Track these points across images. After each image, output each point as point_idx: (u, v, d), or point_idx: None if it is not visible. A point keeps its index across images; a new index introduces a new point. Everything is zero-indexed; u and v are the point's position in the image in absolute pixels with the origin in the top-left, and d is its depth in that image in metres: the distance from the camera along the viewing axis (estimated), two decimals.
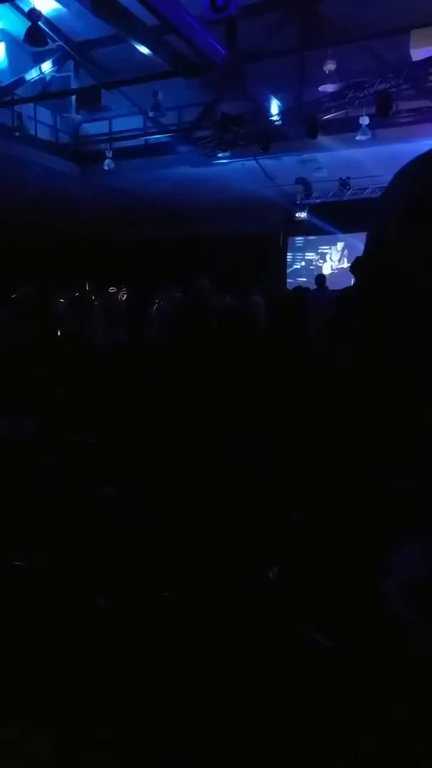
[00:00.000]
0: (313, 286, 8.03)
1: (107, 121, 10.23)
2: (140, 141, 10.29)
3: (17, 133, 8.91)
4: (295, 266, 13.97)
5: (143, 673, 1.44)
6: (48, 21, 7.07)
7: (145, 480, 2.85)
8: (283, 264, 13.81)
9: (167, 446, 3.23)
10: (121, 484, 2.87)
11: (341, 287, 7.83)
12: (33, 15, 6.11)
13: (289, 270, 13.95)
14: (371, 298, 0.61)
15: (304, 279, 12.66)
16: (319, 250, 13.70)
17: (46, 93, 9.64)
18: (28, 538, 2.50)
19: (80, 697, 1.44)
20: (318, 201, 11.99)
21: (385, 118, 7.55)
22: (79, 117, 10.15)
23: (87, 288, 7.82)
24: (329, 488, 2.58)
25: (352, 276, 5.27)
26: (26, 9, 6.65)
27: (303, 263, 13.91)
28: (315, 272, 12.32)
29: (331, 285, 8.27)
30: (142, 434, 3.42)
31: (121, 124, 10.25)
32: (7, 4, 5.90)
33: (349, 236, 12.86)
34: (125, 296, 8.71)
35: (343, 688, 0.81)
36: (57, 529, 2.51)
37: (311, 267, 13.61)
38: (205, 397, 4.01)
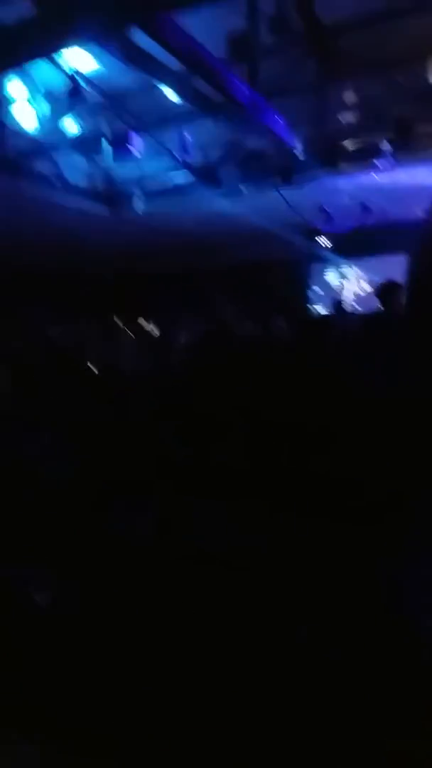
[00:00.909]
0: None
1: (136, 164, 10.67)
2: (167, 179, 10.66)
3: (53, 179, 9.37)
4: (317, 291, 14.09)
5: None
6: (82, 75, 7.53)
7: (167, 511, 2.86)
8: (305, 289, 13.95)
9: (197, 478, 3.25)
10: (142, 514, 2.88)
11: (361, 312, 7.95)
12: (70, 71, 6.55)
13: (312, 297, 14.07)
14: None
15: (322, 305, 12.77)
16: (341, 276, 13.83)
17: (80, 140, 10.14)
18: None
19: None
20: (340, 228, 12.15)
21: (405, 144, 7.71)
22: (110, 161, 10.62)
23: (116, 319, 8.05)
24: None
25: (377, 300, 5.31)
26: (64, 66, 7.15)
27: (324, 290, 14.05)
28: (335, 297, 12.46)
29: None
30: (172, 465, 3.45)
31: (150, 166, 10.67)
32: (47, 61, 6.31)
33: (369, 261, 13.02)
34: (153, 328, 8.94)
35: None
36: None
37: (331, 292, 13.73)
38: (233, 425, 4.05)
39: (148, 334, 8.49)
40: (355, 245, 12.66)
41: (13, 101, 8.21)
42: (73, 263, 13.88)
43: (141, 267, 14.39)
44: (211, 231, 12.65)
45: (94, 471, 3.67)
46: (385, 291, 5.01)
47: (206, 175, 10.14)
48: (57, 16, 4.47)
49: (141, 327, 8.78)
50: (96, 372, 7.61)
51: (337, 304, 8.31)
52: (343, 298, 12.88)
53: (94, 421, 4.62)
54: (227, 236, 13.09)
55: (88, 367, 7.69)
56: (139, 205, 10.09)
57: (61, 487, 3.46)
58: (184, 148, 8.27)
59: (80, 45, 5.23)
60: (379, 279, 12.71)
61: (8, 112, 8.40)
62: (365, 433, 3.15)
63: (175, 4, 4.74)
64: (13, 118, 8.51)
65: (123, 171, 10.90)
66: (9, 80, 7.27)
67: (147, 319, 9.14)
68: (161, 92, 7.21)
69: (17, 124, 8.70)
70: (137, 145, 7.81)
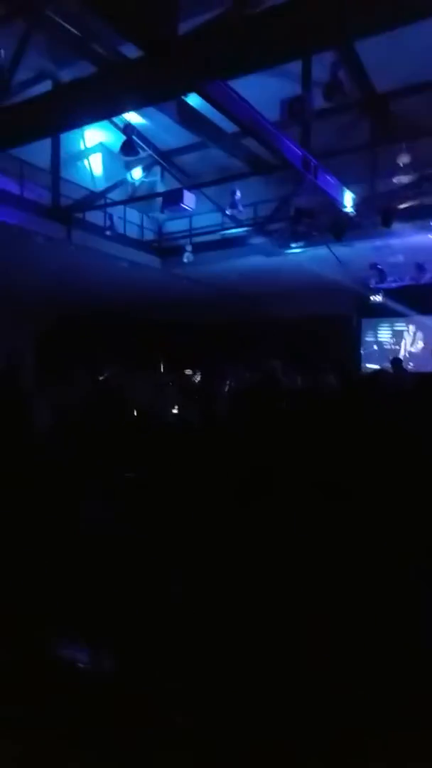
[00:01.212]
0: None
1: (188, 219, 11.02)
2: (217, 235, 10.94)
3: (108, 232, 9.75)
4: (369, 348, 13.89)
5: None
6: (139, 133, 7.97)
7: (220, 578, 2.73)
8: (357, 346, 13.78)
9: (243, 538, 3.12)
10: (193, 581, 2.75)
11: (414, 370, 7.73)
12: (127, 129, 6.89)
13: (364, 353, 13.88)
14: None
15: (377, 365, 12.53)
16: (394, 332, 13.62)
17: (135, 196, 10.61)
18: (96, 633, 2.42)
19: None
20: (393, 285, 12.07)
21: None
22: (164, 216, 11.03)
23: (162, 369, 8.10)
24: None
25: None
26: (121, 124, 7.53)
27: (377, 346, 13.83)
28: (390, 355, 12.21)
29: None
30: (217, 523, 3.33)
31: (201, 220, 11.00)
32: (105, 120, 6.66)
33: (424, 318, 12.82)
34: (199, 378, 8.93)
35: None
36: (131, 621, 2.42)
37: (386, 349, 13.51)
38: (278, 483, 3.91)
39: (195, 383, 8.48)
40: (409, 303, 12.51)
41: (71, 156, 8.68)
42: (125, 312, 14.26)
43: (190, 317, 14.64)
44: (260, 285, 12.80)
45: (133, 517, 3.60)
46: None
47: (257, 230, 10.34)
48: (116, 78, 4.71)
49: (188, 376, 8.79)
50: (143, 419, 7.63)
51: (392, 361, 8.13)
52: (395, 355, 12.64)
53: (138, 467, 4.57)
54: (277, 290, 13.21)
55: (134, 413, 7.72)
56: (189, 258, 10.34)
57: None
58: (235, 205, 8.46)
59: (137, 106, 5.47)
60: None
61: (66, 166, 8.86)
62: (410, 490, 3.04)
63: (232, 70, 4.92)
64: (70, 172, 8.99)
65: (175, 225, 11.28)
66: (68, 135, 7.68)
67: (195, 369, 9.17)
68: (214, 151, 7.48)
69: (75, 177, 9.20)
70: (189, 200, 8.05)
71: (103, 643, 2.54)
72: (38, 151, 8.42)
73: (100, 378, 8.74)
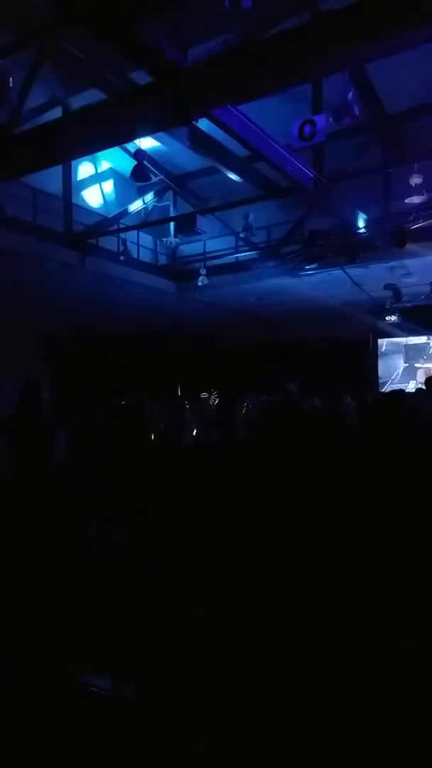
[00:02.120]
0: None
1: (202, 243, 11.07)
2: (231, 258, 10.96)
3: (122, 257, 9.81)
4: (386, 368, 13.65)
5: None
6: (150, 158, 8.02)
7: (239, 603, 2.66)
8: (374, 367, 13.61)
9: (262, 563, 3.04)
10: (213, 605, 2.69)
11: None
12: (138, 155, 6.95)
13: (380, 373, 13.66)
14: None
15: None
16: (408, 352, 13.37)
17: (148, 221, 10.69)
18: (116, 658, 2.36)
19: None
20: (409, 305, 11.96)
21: None
22: (177, 240, 11.09)
23: (179, 393, 8.04)
24: None
25: None
26: (132, 150, 7.61)
27: (392, 366, 13.59)
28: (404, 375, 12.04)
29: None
30: (236, 547, 3.25)
31: (215, 244, 11.04)
32: (116, 146, 6.73)
33: None
34: (216, 401, 8.85)
35: None
36: (147, 653, 2.36)
37: (400, 369, 13.28)
38: (298, 507, 3.81)
39: (212, 406, 8.40)
40: (424, 322, 12.38)
41: (83, 182, 8.75)
42: (141, 337, 14.30)
43: (207, 341, 14.63)
44: (275, 307, 12.77)
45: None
46: None
47: (270, 253, 10.34)
48: (127, 105, 4.75)
49: (205, 399, 8.72)
50: (161, 442, 7.57)
51: (426, 380, 7.96)
52: (411, 376, 12.47)
53: (153, 488, 4.49)
54: (292, 312, 13.17)
55: (152, 436, 7.67)
56: (204, 281, 10.35)
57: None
58: (248, 228, 8.47)
59: (148, 132, 5.50)
60: None
61: (78, 192, 8.93)
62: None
63: (241, 96, 4.94)
64: (82, 198, 9.07)
65: (188, 249, 11.33)
66: (79, 162, 7.75)
67: (212, 392, 9.11)
68: (227, 175, 7.51)
69: (87, 203, 9.28)
70: (202, 224, 8.07)
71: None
72: (50, 178, 8.53)
73: (120, 403, 8.72)
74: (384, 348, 13.50)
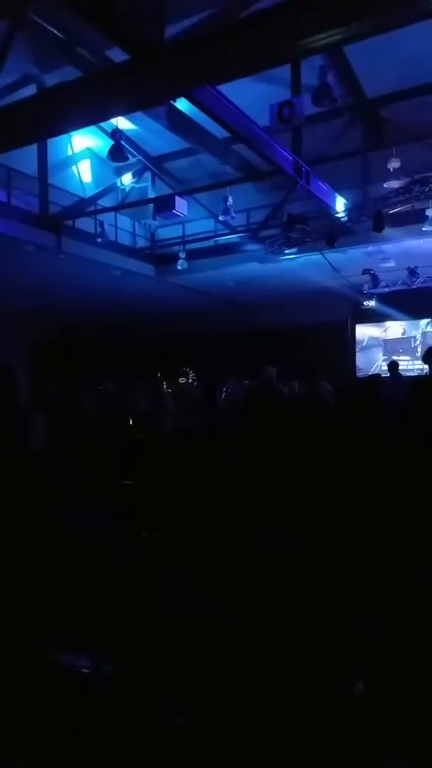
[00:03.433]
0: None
1: (181, 226, 10.96)
2: (210, 242, 10.88)
3: (99, 239, 9.67)
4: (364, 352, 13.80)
5: None
6: (128, 138, 7.87)
7: (217, 581, 2.69)
8: (352, 352, 13.74)
9: (240, 544, 3.06)
10: (191, 586, 2.71)
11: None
12: (115, 134, 6.83)
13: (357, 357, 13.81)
14: None
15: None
16: (386, 337, 13.53)
17: (126, 203, 10.55)
18: (98, 640, 2.37)
19: None
20: (386, 290, 12.05)
21: None
22: (156, 223, 10.96)
23: (159, 377, 8.01)
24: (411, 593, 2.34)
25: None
26: (109, 129, 7.47)
27: (370, 350, 13.74)
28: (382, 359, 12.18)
29: None
30: (213, 530, 3.27)
31: (194, 227, 10.94)
32: (92, 125, 6.58)
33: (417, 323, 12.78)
34: (195, 385, 8.85)
35: None
36: (127, 632, 2.37)
37: (378, 353, 13.47)
38: (279, 490, 3.84)
39: (191, 391, 8.39)
40: (401, 307, 12.49)
41: (59, 162, 8.59)
42: (118, 320, 14.18)
43: (186, 326, 14.57)
44: (255, 292, 12.75)
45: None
46: (431, 354, 4.79)
47: (250, 237, 10.29)
48: (103, 83, 4.65)
49: (184, 384, 8.71)
50: (141, 427, 7.55)
51: (389, 365, 8.07)
52: (389, 360, 12.59)
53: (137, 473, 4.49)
54: (272, 297, 13.17)
55: (131, 421, 7.65)
56: (183, 265, 10.27)
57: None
58: (227, 211, 8.40)
59: (125, 111, 5.39)
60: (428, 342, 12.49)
61: (54, 173, 8.77)
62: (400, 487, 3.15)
63: (220, 75, 4.87)
64: (59, 179, 8.90)
65: (167, 232, 11.22)
66: (54, 142, 7.60)
67: (190, 377, 9.11)
68: (206, 157, 7.42)
69: (63, 184, 9.11)
70: (181, 206, 7.98)
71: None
72: (25, 158, 8.33)
73: (98, 388, 8.66)
74: (365, 342, 13.66)
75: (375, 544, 2.86)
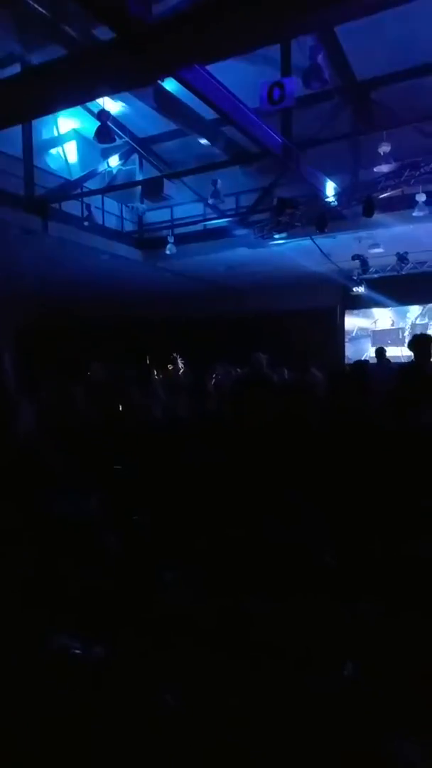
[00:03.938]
0: None
1: (169, 209, 10.83)
2: (199, 226, 10.77)
3: (86, 223, 9.52)
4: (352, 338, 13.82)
5: None
6: (115, 120, 7.72)
7: (206, 565, 2.68)
8: (341, 338, 13.77)
9: (229, 529, 3.07)
10: (181, 569, 2.71)
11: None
12: (102, 115, 6.68)
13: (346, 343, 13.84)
14: None
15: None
16: (374, 322, 13.54)
17: (113, 185, 10.39)
18: (87, 623, 2.37)
19: None
20: (375, 276, 12.04)
21: None
22: (143, 206, 10.82)
23: (148, 363, 7.95)
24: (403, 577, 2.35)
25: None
26: (96, 110, 7.31)
27: (358, 336, 13.77)
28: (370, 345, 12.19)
29: None
30: (202, 515, 3.27)
31: (182, 211, 10.82)
32: (78, 106, 6.43)
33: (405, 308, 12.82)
34: (183, 371, 8.81)
35: None
36: (117, 615, 2.37)
37: (366, 340, 13.51)
38: (268, 476, 3.84)
39: (180, 378, 8.36)
40: (391, 294, 12.50)
41: (45, 144, 8.43)
42: (105, 305, 14.05)
43: (174, 311, 14.48)
44: (244, 278, 12.68)
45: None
46: (416, 341, 4.78)
47: (239, 221, 10.19)
48: (89, 62, 4.53)
49: (172, 371, 8.66)
50: (130, 413, 7.52)
51: (376, 351, 8.07)
52: (377, 346, 12.63)
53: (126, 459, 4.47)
54: (261, 283, 13.10)
55: (120, 407, 7.61)
56: (172, 249, 10.17)
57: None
58: (216, 195, 8.30)
59: (112, 91, 5.27)
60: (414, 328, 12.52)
61: (40, 155, 8.61)
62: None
63: (209, 55, 4.77)
64: (44, 161, 8.74)
65: (156, 216, 11.08)
66: (40, 123, 7.43)
67: (176, 363, 9.04)
68: (195, 140, 7.30)
69: (49, 166, 8.95)
70: (169, 190, 7.87)
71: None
72: (10, 140, 8.15)
73: (87, 374, 8.60)
74: (355, 333, 13.67)
75: (365, 527, 2.88)
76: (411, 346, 4.75)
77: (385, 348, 9.28)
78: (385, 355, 8.10)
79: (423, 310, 12.87)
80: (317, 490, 3.18)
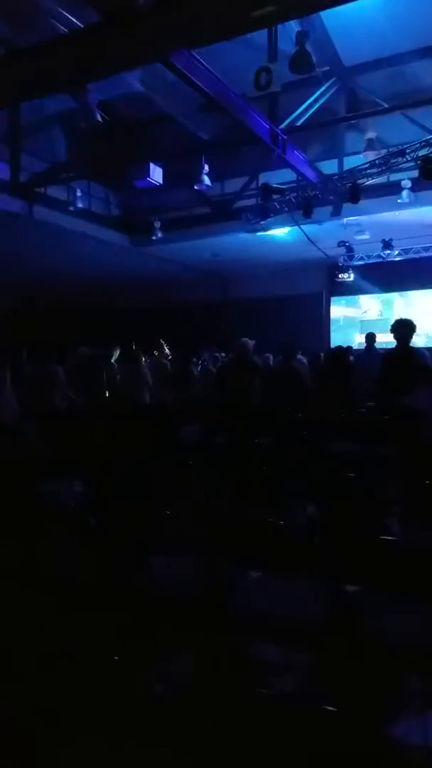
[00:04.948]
0: None
1: (155, 194, 10.77)
2: (185, 212, 10.74)
3: (72, 207, 9.45)
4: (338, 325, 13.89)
5: None
6: (101, 103, 7.64)
7: (197, 550, 2.74)
8: (326, 324, 13.85)
9: (219, 513, 3.13)
10: (169, 554, 2.75)
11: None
12: (92, 99, 6.62)
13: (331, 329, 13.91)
14: None
15: None
16: (361, 308, 13.59)
17: (99, 169, 10.29)
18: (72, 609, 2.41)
19: None
20: (361, 262, 12.12)
21: (427, 181, 7.64)
22: (130, 191, 10.74)
23: (134, 348, 7.99)
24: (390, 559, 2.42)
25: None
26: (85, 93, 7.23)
27: (343, 323, 13.84)
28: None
29: None
30: (193, 499, 3.33)
31: (168, 196, 10.76)
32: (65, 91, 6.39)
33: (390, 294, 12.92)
34: (170, 357, 8.84)
35: None
36: (100, 602, 2.40)
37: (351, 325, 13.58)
38: (255, 459, 3.92)
39: (167, 364, 8.39)
40: (376, 281, 12.59)
41: (31, 127, 8.32)
42: (90, 290, 13.97)
43: (158, 297, 14.45)
44: (231, 264, 12.69)
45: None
46: (398, 325, 4.89)
47: (225, 207, 10.18)
48: (77, 46, 4.49)
49: (159, 357, 8.69)
50: (117, 399, 7.57)
51: (366, 336, 8.16)
52: (363, 328, 12.71)
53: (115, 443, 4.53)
54: (248, 269, 13.12)
55: (105, 393, 7.66)
56: (158, 234, 10.14)
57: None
58: (203, 180, 8.28)
59: (100, 76, 5.24)
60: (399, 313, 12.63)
61: (26, 138, 8.51)
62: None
63: (196, 39, 4.76)
64: (30, 144, 8.64)
65: (142, 200, 11.03)
66: (26, 106, 7.33)
67: (162, 349, 9.07)
68: (182, 123, 7.26)
69: (35, 149, 8.85)
70: (156, 174, 7.83)
71: None
72: None
73: (73, 359, 8.61)
74: (342, 322, 13.77)
75: (348, 508, 2.96)
76: (393, 329, 4.87)
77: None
78: (374, 340, 8.20)
79: (406, 300, 13.02)
80: (303, 471, 3.26)
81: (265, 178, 9.35)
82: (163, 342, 8.99)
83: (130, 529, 2.97)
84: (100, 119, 5.98)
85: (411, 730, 1.64)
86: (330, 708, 0.98)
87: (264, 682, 1.92)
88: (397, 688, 1.85)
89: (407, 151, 7.69)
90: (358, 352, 9.30)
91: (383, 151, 8.28)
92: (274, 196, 8.83)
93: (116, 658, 1.26)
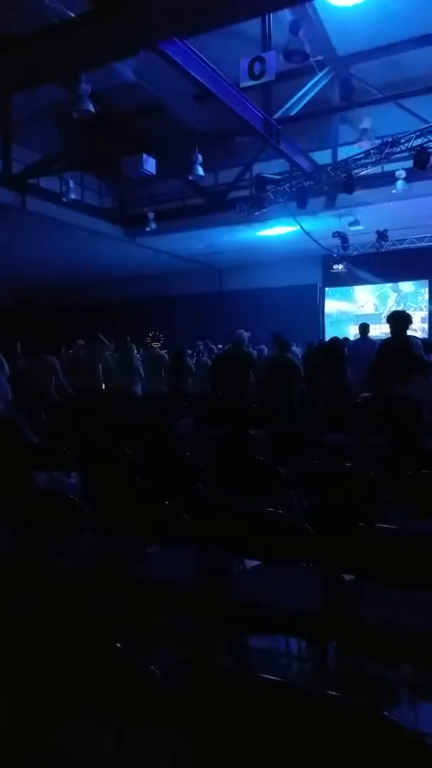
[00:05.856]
0: None
1: (149, 185, 10.72)
2: (179, 203, 10.69)
3: (64, 198, 9.40)
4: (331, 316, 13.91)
5: None
6: (94, 93, 7.57)
7: (191, 539, 2.74)
8: (321, 315, 13.87)
9: (213, 503, 3.14)
10: (165, 544, 2.75)
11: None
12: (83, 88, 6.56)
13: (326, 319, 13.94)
14: None
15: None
16: (355, 299, 13.64)
17: (92, 160, 10.22)
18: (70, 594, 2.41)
19: None
20: (356, 253, 12.11)
21: (421, 171, 7.63)
22: (123, 182, 10.69)
23: (128, 341, 7.98)
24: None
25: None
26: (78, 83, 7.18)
27: (337, 313, 13.86)
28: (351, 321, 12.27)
29: None
30: (187, 490, 3.34)
31: (162, 187, 10.71)
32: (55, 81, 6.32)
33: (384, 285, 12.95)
34: (165, 350, 8.85)
35: None
36: (97, 589, 2.41)
37: (345, 316, 13.63)
38: (249, 450, 3.93)
39: (162, 356, 8.39)
40: (370, 271, 12.59)
41: (23, 118, 8.25)
42: (83, 282, 13.93)
43: (152, 289, 14.40)
44: (226, 255, 12.65)
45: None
46: (394, 316, 4.90)
47: (220, 198, 10.14)
48: (66, 35, 4.45)
49: (154, 349, 8.70)
50: (112, 392, 7.57)
51: (360, 327, 8.17)
52: (358, 322, 12.75)
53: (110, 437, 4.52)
54: (241, 260, 13.09)
55: (102, 386, 7.66)
56: (152, 226, 10.09)
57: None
58: (196, 171, 8.24)
59: (90, 65, 5.19)
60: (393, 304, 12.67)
61: (18, 129, 8.44)
62: None
63: (188, 28, 4.72)
64: (23, 135, 8.58)
65: (136, 192, 10.97)
66: (18, 97, 7.26)
67: (158, 340, 9.09)
68: (175, 114, 7.21)
69: (27, 141, 8.78)
70: (150, 165, 7.79)
71: None
72: None
73: (67, 352, 8.60)
74: (335, 317, 13.78)
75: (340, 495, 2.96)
76: (389, 319, 4.87)
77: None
78: (368, 331, 8.23)
79: (398, 296, 13.08)
80: (297, 461, 3.26)
81: (259, 168, 9.31)
82: (158, 334, 8.98)
83: (127, 519, 2.97)
84: (92, 110, 5.93)
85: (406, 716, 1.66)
86: (331, 693, 0.98)
87: (262, 668, 1.93)
88: (393, 675, 1.86)
89: (402, 141, 7.68)
90: (353, 343, 9.32)
91: (377, 142, 8.25)
92: (268, 187, 8.80)
93: (117, 645, 1.26)
